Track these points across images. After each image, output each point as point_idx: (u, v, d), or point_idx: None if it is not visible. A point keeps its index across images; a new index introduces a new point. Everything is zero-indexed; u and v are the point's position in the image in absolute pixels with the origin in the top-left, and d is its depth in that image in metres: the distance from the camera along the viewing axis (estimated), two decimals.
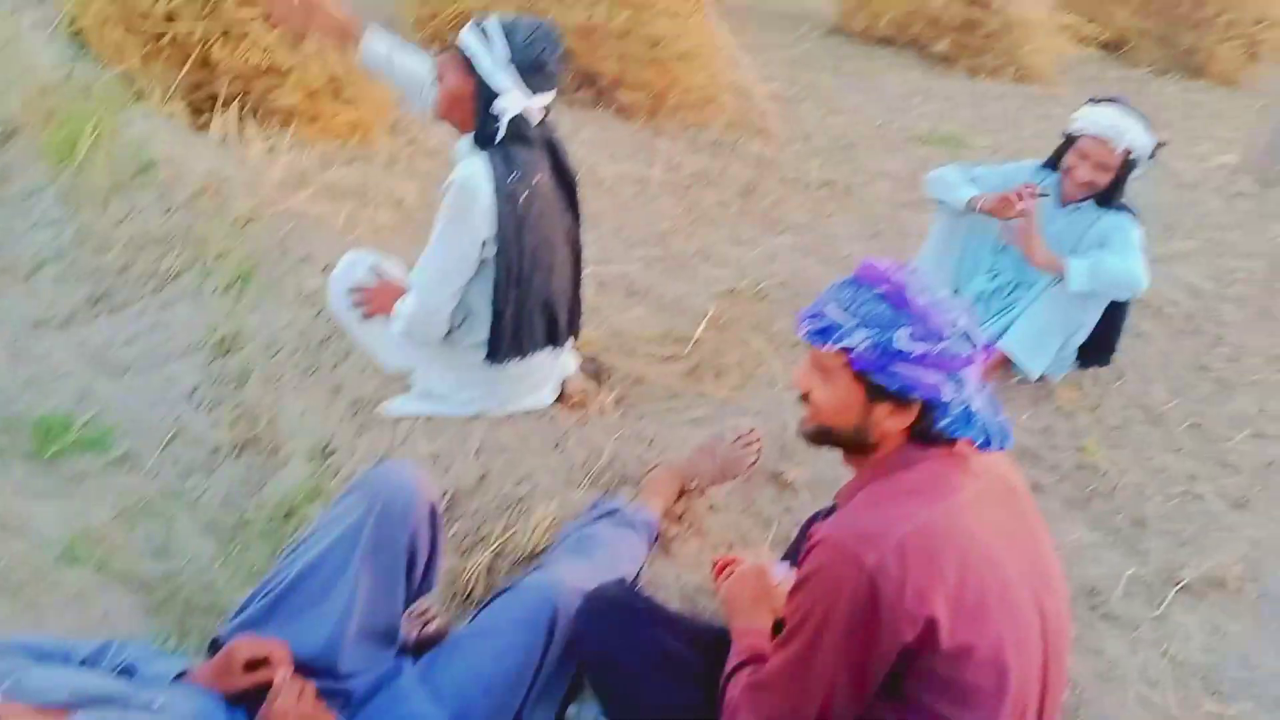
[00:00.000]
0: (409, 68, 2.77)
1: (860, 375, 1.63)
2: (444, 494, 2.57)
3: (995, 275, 3.53)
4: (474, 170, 2.46)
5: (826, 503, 2.50)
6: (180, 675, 1.81)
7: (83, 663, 1.82)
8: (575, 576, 2.12)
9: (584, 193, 2.80)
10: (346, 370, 2.99)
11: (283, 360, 3.11)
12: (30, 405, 3.08)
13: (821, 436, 1.73)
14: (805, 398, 1.73)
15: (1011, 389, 3.46)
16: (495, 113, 2.46)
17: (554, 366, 2.87)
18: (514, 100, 2.45)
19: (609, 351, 3.33)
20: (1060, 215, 3.43)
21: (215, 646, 1.95)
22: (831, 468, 2.84)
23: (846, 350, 1.62)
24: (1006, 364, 3.46)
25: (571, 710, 2.17)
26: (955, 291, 3.59)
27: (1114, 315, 3.42)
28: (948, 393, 1.60)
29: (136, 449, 2.99)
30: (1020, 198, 3.22)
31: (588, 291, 3.07)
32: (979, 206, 3.30)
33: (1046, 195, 3.31)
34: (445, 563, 2.44)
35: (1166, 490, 3.32)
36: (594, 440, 2.75)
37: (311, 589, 1.97)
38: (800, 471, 2.85)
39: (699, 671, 1.91)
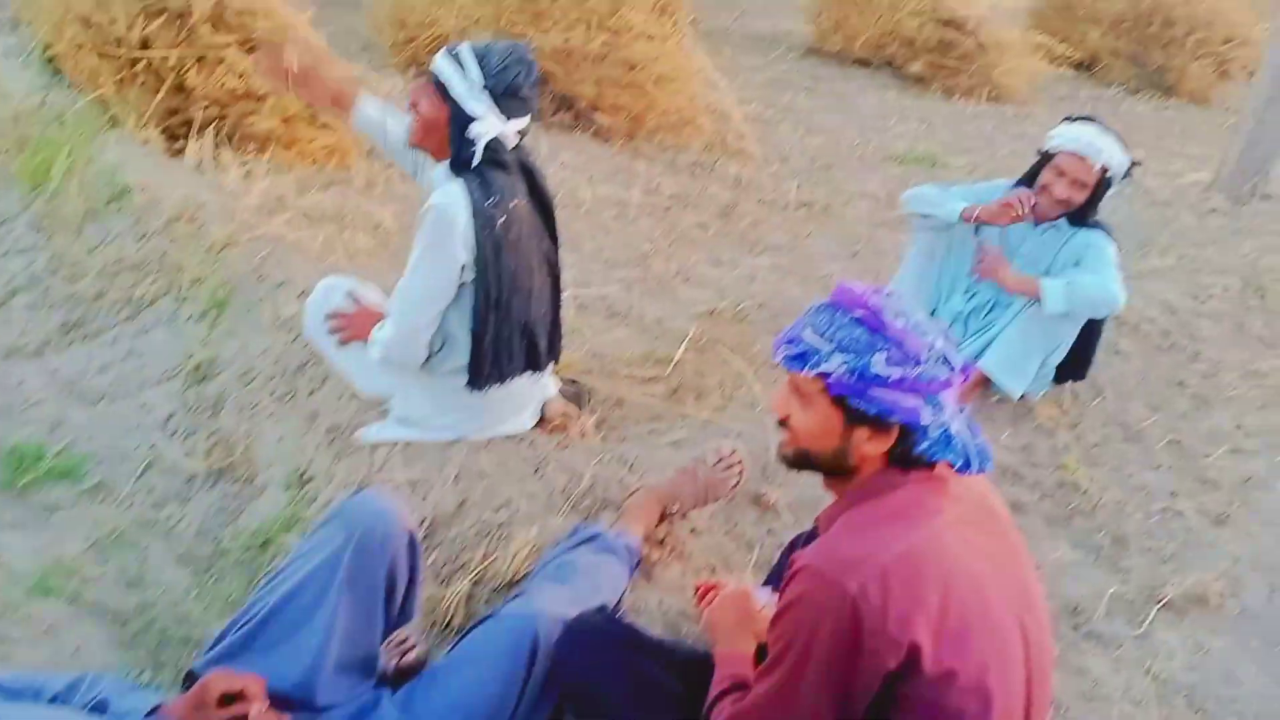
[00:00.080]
0: (400, 132, 2.77)
1: (838, 400, 1.62)
2: (422, 521, 2.55)
3: (973, 295, 3.54)
4: (451, 195, 2.45)
5: (809, 524, 2.50)
6: (154, 710, 1.78)
7: (54, 699, 1.79)
8: (556, 604, 2.09)
9: (563, 215, 2.79)
10: (323, 396, 2.97)
11: (259, 387, 3.08)
12: (2, 435, 3.04)
13: (801, 461, 1.73)
14: (784, 422, 1.72)
15: (991, 407, 3.47)
16: (471, 137, 2.45)
17: (534, 390, 2.85)
18: (489, 125, 2.45)
19: (589, 374, 3.32)
20: (1034, 234, 3.44)
21: (190, 679, 1.92)
22: (813, 489, 2.82)
23: (824, 375, 1.61)
24: (986, 383, 3.46)
25: None
26: (933, 311, 3.59)
27: (1090, 331, 3.43)
28: (926, 416, 1.60)
29: (110, 478, 2.95)
30: (1020, 203, 3.22)
31: (568, 314, 3.06)
32: (976, 216, 3.29)
33: (1037, 204, 3.31)
34: (424, 591, 2.41)
35: (1147, 507, 3.33)
36: (574, 464, 2.73)
37: (289, 620, 1.95)
38: (782, 493, 2.84)
39: (682, 699, 1.90)
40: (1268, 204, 5.85)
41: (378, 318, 2.67)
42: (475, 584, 2.45)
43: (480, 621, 2.11)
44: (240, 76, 4.10)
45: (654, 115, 5.75)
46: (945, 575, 1.54)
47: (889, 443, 1.63)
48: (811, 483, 2.70)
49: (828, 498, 1.77)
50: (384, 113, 2.79)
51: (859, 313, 1.62)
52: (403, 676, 2.18)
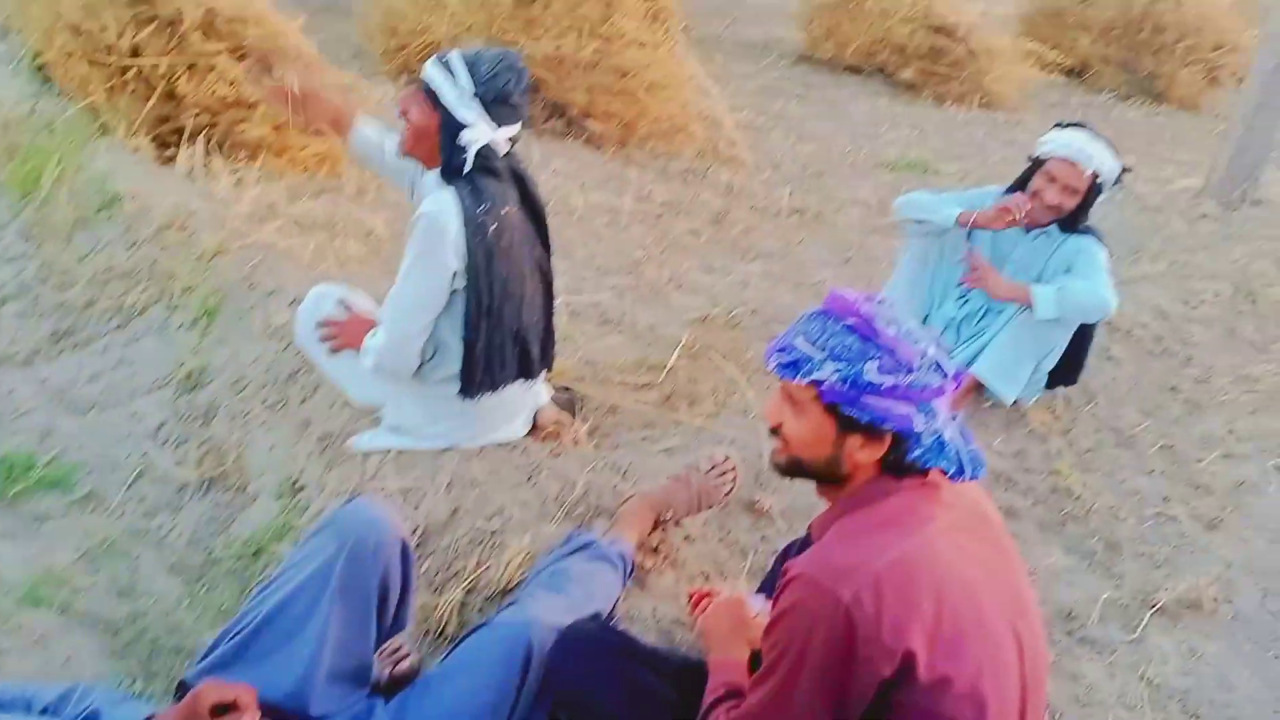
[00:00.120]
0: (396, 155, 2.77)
1: (831, 408, 1.62)
2: (415, 530, 2.54)
3: (965, 301, 3.54)
4: (442, 202, 2.45)
5: (803, 531, 2.49)
6: None
7: (45, 710, 1.78)
8: (550, 612, 2.09)
9: (555, 222, 2.79)
10: (315, 405, 2.96)
11: (250, 395, 3.07)
12: None
13: (794, 469, 1.73)
14: (776, 430, 1.72)
15: (984, 413, 3.47)
16: (462, 144, 2.45)
17: (526, 398, 2.84)
18: (480, 132, 2.45)
19: (582, 381, 3.32)
20: (1025, 240, 3.44)
21: (182, 689, 1.91)
22: (807, 496, 2.83)
23: (816, 383, 1.61)
24: (978, 389, 3.46)
25: None
26: (926, 318, 3.59)
27: (1082, 336, 3.43)
28: (919, 424, 1.60)
29: (101, 488, 2.94)
30: (1017, 207, 3.22)
31: (560, 321, 3.06)
32: (973, 222, 3.29)
33: (1033, 208, 3.31)
34: (417, 599, 2.40)
35: (1140, 512, 3.34)
36: (567, 472, 2.72)
37: (281, 629, 1.94)
38: (776, 500, 2.84)
39: (676, 707, 1.89)
40: (1258, 209, 5.87)
41: (370, 325, 2.66)
42: (468, 592, 2.45)
43: (474, 630, 2.11)
44: (231, 84, 4.10)
45: (646, 122, 5.76)
46: (939, 582, 1.54)
47: (882, 450, 1.63)
48: (805, 489, 2.70)
49: (821, 504, 1.77)
50: (382, 134, 2.79)
51: (851, 320, 1.62)
52: (396, 685, 2.17)
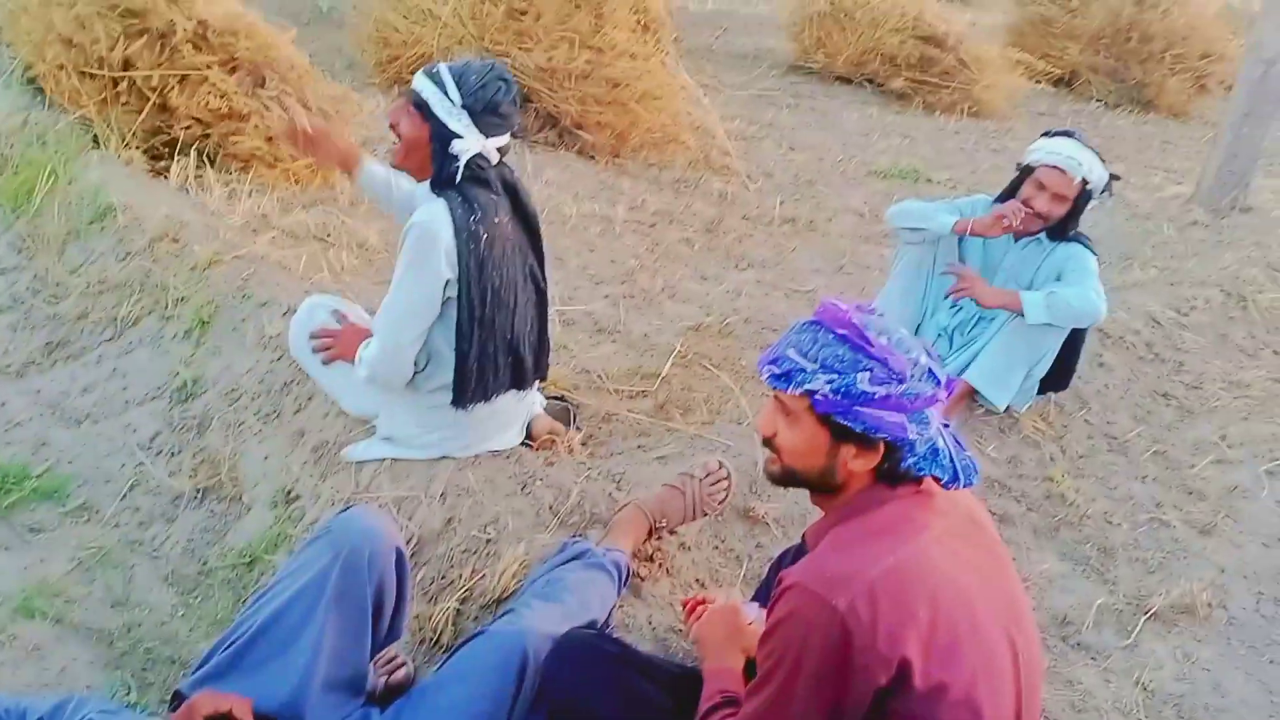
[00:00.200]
0: (405, 191, 2.78)
1: (824, 418, 1.63)
2: (410, 539, 2.54)
3: (958, 310, 3.55)
4: (434, 212, 2.45)
5: (798, 538, 2.49)
6: None
7: None
8: (545, 621, 2.09)
9: (548, 232, 2.80)
10: (309, 415, 2.96)
11: (244, 406, 3.07)
12: None
13: (788, 479, 1.73)
14: (769, 441, 1.72)
15: (977, 420, 3.48)
16: (453, 154, 2.46)
17: (520, 408, 2.84)
18: (470, 143, 2.46)
19: (576, 390, 3.32)
20: (1015, 249, 3.46)
21: (177, 700, 1.91)
22: (801, 503, 2.84)
23: (809, 394, 1.61)
24: (971, 396, 3.47)
25: None
26: (919, 326, 3.60)
27: (1073, 342, 3.44)
28: (912, 432, 1.61)
29: (95, 498, 2.93)
30: (1013, 214, 3.24)
31: (554, 330, 3.06)
32: (970, 229, 3.31)
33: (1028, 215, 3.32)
34: (412, 609, 2.40)
35: (1133, 518, 3.35)
36: (562, 481, 2.72)
37: (276, 639, 1.94)
38: (771, 507, 2.84)
39: (671, 715, 1.89)
40: (1247, 216, 5.90)
41: (364, 335, 2.66)
42: (463, 601, 2.45)
43: (469, 639, 2.11)
44: (223, 96, 4.10)
45: (638, 133, 5.77)
46: (933, 590, 1.54)
47: (876, 460, 1.64)
48: (799, 497, 2.72)
49: (816, 512, 1.77)
50: (390, 171, 2.80)
51: (842, 331, 1.62)
52: (391, 695, 2.17)
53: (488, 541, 2.53)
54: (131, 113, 4.10)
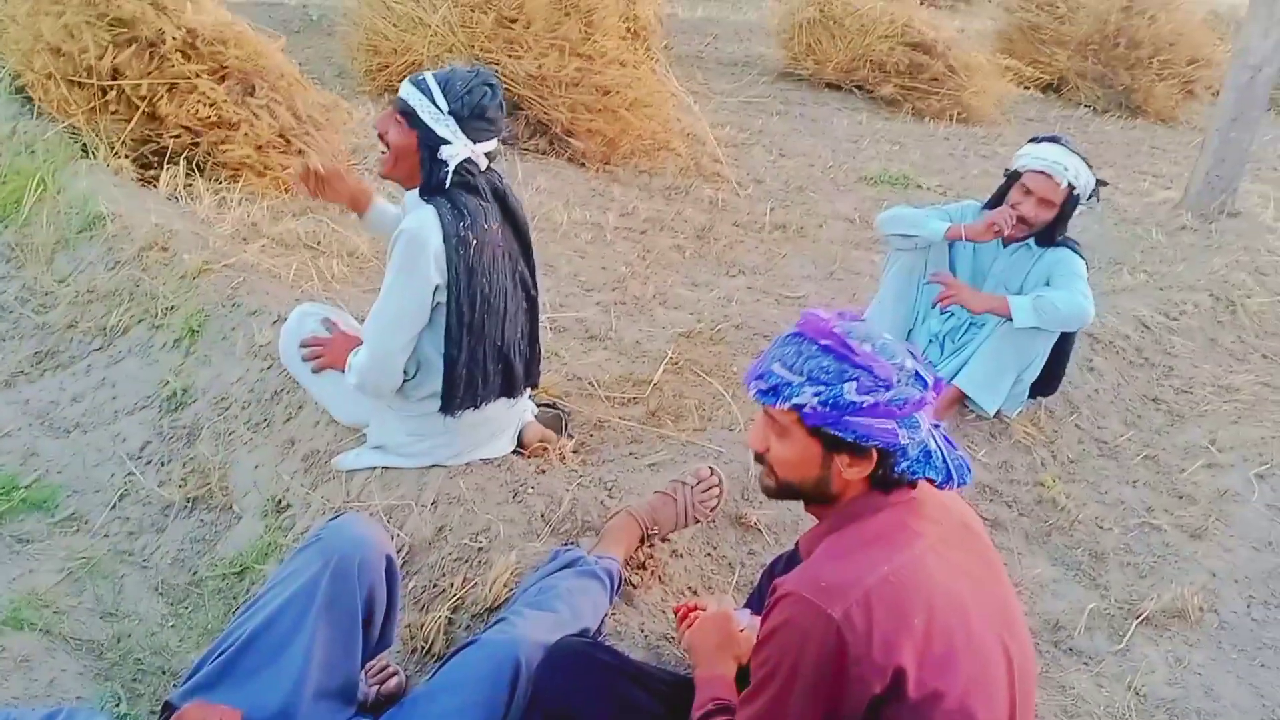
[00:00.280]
0: None
1: (815, 430, 1.62)
2: (401, 548, 2.53)
3: (949, 315, 3.56)
4: (423, 219, 2.45)
5: (790, 544, 2.49)
6: None
7: None
8: (537, 629, 2.08)
9: (539, 239, 2.80)
10: (299, 424, 2.95)
11: (234, 415, 3.06)
12: None
13: (784, 492, 1.73)
14: (762, 456, 1.72)
15: (968, 425, 3.49)
16: (442, 159, 2.46)
17: (511, 415, 2.84)
18: (459, 148, 2.46)
19: (568, 397, 3.32)
20: (1004, 255, 3.46)
21: (168, 710, 1.90)
22: (794, 509, 2.84)
23: (798, 408, 1.61)
24: (961, 401, 3.48)
25: None
26: (910, 332, 3.61)
27: (1062, 347, 3.45)
28: (903, 437, 1.60)
29: (84, 508, 2.92)
30: (1005, 220, 3.25)
31: (545, 337, 3.05)
32: (964, 235, 3.31)
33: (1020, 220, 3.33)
34: (404, 617, 2.39)
35: (1124, 522, 3.35)
36: (553, 488, 2.72)
37: (266, 648, 1.93)
38: (763, 514, 2.84)
39: None
40: (1235, 221, 5.92)
41: (354, 343, 2.66)
42: (455, 610, 2.44)
43: (461, 647, 2.10)
44: (212, 105, 4.10)
45: (628, 140, 5.78)
46: (928, 598, 1.54)
47: (869, 468, 1.64)
48: (791, 504, 2.71)
49: (808, 518, 1.77)
50: (399, 209, 2.80)
51: (825, 341, 1.62)
52: (383, 704, 2.16)
53: (479, 550, 2.52)
54: (120, 121, 4.10)
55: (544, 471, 2.80)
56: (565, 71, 5.47)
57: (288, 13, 7.74)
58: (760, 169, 6.21)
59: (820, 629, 1.49)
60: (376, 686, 2.23)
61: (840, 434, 1.60)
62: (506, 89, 5.24)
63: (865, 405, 1.58)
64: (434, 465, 2.72)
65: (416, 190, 2.55)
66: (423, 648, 2.40)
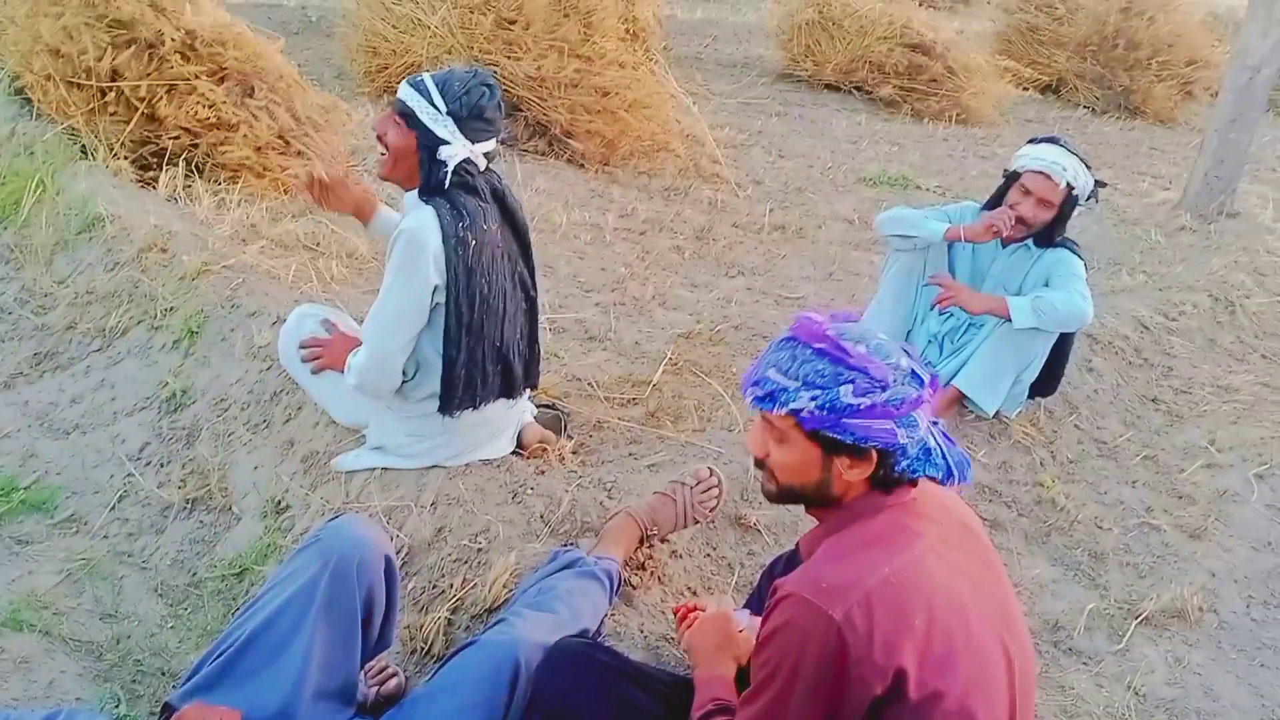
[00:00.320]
0: None
1: (813, 434, 1.62)
2: (400, 549, 2.53)
3: (948, 316, 3.56)
4: (422, 219, 2.46)
5: (789, 545, 2.50)
6: None
7: None
8: (537, 630, 2.08)
9: (538, 240, 2.80)
10: (299, 425, 2.95)
11: (233, 416, 3.06)
12: None
13: (785, 496, 1.72)
14: (762, 462, 1.72)
15: (967, 426, 3.49)
16: (441, 159, 2.46)
17: (510, 416, 2.84)
18: (458, 148, 2.46)
19: (567, 398, 3.32)
20: (1003, 255, 3.47)
21: (167, 712, 1.90)
22: (793, 510, 2.84)
23: (795, 413, 1.61)
24: (961, 401, 3.48)
25: None
26: (909, 333, 3.61)
27: (1061, 347, 3.45)
28: (902, 436, 1.60)
29: (83, 510, 2.92)
30: (1004, 221, 3.25)
31: (544, 338, 3.05)
32: (963, 236, 3.32)
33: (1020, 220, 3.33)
34: (403, 618, 2.39)
35: (1124, 523, 3.35)
36: (552, 489, 2.72)
37: (265, 649, 1.93)
38: (762, 514, 2.84)
39: None
40: (1234, 221, 5.92)
41: (353, 344, 2.66)
42: (454, 611, 2.44)
43: (460, 648, 2.10)
44: (211, 106, 4.10)
45: (627, 141, 5.78)
46: (929, 599, 1.54)
47: (870, 469, 1.63)
48: (791, 505, 2.71)
49: (807, 519, 1.77)
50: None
51: (819, 345, 1.61)
52: (383, 705, 2.16)
53: (478, 551, 2.52)
54: (119, 123, 4.10)
55: (543, 472, 2.80)
56: (564, 73, 5.47)
57: (287, 14, 7.75)
58: (759, 170, 6.21)
59: (821, 630, 1.49)
60: (376, 687, 2.23)
61: (839, 436, 1.60)
62: (505, 90, 5.24)
63: (862, 407, 1.58)
64: (433, 466, 2.72)
65: (415, 191, 2.55)
66: (422, 649, 2.40)
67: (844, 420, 1.59)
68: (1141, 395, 4.07)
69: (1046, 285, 3.37)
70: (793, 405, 1.60)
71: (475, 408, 2.62)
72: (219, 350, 3.23)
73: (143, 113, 4.08)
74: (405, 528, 2.59)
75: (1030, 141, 3.39)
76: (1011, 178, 3.36)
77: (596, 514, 2.67)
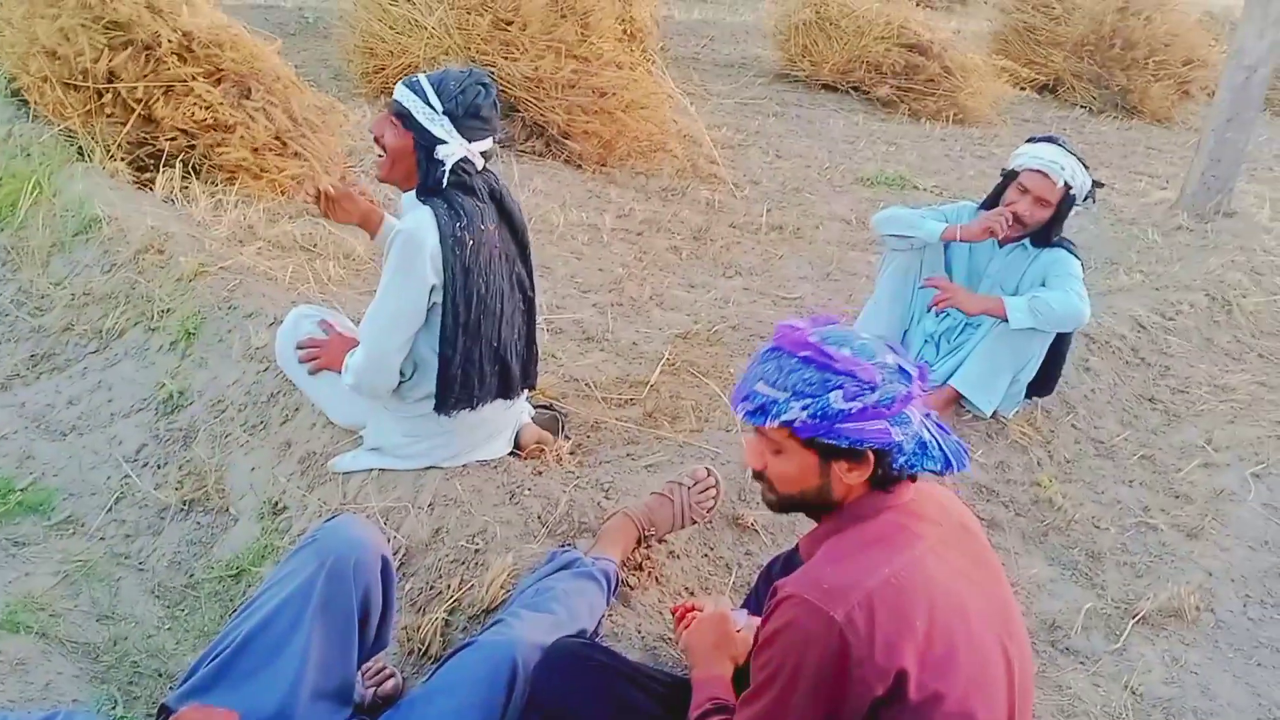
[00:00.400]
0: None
1: (809, 442, 1.62)
2: (397, 550, 2.53)
3: (945, 316, 3.56)
4: (420, 219, 2.46)
5: (787, 545, 2.50)
6: None
7: None
8: (534, 631, 2.08)
9: (536, 241, 2.80)
10: (296, 426, 2.95)
11: (230, 417, 3.05)
12: None
13: (787, 505, 1.73)
14: (760, 475, 1.72)
15: (964, 425, 3.49)
16: (439, 159, 2.46)
17: (508, 417, 2.84)
18: (454, 148, 2.46)
19: (564, 398, 3.32)
20: (1000, 255, 3.47)
21: (164, 713, 1.90)
22: None
23: (788, 424, 1.61)
24: (958, 401, 3.48)
25: None
26: (905, 333, 3.61)
27: (1058, 347, 3.45)
28: (897, 434, 1.61)
29: (80, 511, 2.92)
30: (1002, 221, 3.25)
31: (542, 338, 3.05)
32: (960, 236, 3.32)
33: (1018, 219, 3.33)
34: (400, 619, 2.39)
35: (1121, 522, 3.35)
36: (550, 490, 2.72)
37: (262, 650, 1.93)
38: (760, 514, 2.84)
39: None
40: (1231, 221, 5.93)
41: (350, 345, 2.66)
42: (452, 612, 2.43)
43: (458, 649, 2.10)
44: (208, 108, 4.10)
45: (625, 141, 5.78)
46: (929, 600, 1.54)
47: (868, 470, 1.64)
48: None
49: (806, 520, 1.77)
50: None
51: (804, 353, 1.62)
52: (380, 706, 2.15)
53: (476, 552, 2.52)
54: (116, 124, 4.10)
55: (541, 473, 2.80)
56: (562, 73, 5.47)
57: (284, 15, 7.74)
58: (757, 170, 6.21)
59: (823, 631, 1.49)
60: (374, 688, 2.23)
61: (834, 442, 1.60)
62: (503, 91, 5.24)
63: (854, 411, 1.58)
64: (431, 467, 2.72)
65: (413, 191, 2.55)
66: (419, 649, 2.40)
67: (837, 426, 1.59)
68: (1138, 395, 4.07)
69: (1043, 285, 3.37)
70: (785, 417, 1.61)
71: (472, 408, 2.62)
72: (216, 351, 3.23)
73: (139, 114, 4.08)
74: (402, 529, 2.59)
75: (1028, 141, 3.39)
76: (1009, 177, 3.36)
77: (594, 515, 2.66)
